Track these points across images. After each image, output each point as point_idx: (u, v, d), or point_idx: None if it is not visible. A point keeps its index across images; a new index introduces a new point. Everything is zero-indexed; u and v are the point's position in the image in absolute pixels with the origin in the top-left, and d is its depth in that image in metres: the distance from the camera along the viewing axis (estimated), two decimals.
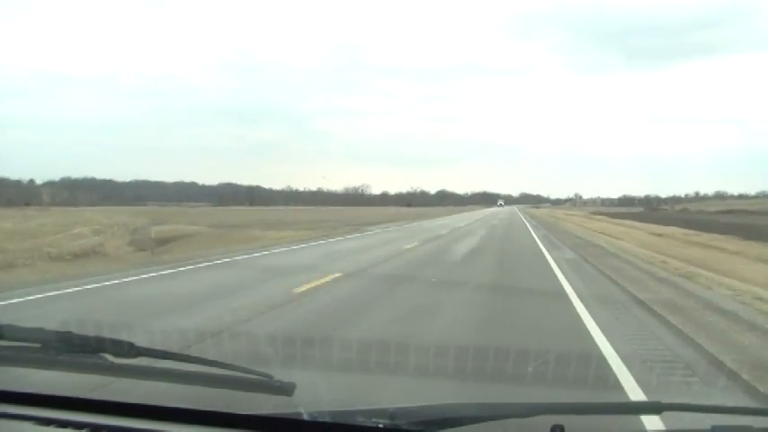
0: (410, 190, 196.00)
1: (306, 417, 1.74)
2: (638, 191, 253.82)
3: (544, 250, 19.21)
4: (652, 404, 1.83)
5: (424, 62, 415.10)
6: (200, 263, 13.98)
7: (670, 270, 13.56)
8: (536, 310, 8.33)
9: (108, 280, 10.66)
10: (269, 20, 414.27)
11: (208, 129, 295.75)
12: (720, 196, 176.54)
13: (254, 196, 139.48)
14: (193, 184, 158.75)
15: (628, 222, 49.20)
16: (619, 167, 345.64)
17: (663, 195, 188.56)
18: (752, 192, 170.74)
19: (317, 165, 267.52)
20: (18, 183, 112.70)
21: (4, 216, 37.57)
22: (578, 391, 3.96)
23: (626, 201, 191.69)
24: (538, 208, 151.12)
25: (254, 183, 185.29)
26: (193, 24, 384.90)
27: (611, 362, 5.22)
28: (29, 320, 2.78)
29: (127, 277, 11.14)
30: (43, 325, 2.00)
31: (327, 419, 1.74)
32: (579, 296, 9.33)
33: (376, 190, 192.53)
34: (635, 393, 4.31)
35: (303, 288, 9.50)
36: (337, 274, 11.30)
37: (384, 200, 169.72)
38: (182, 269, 12.73)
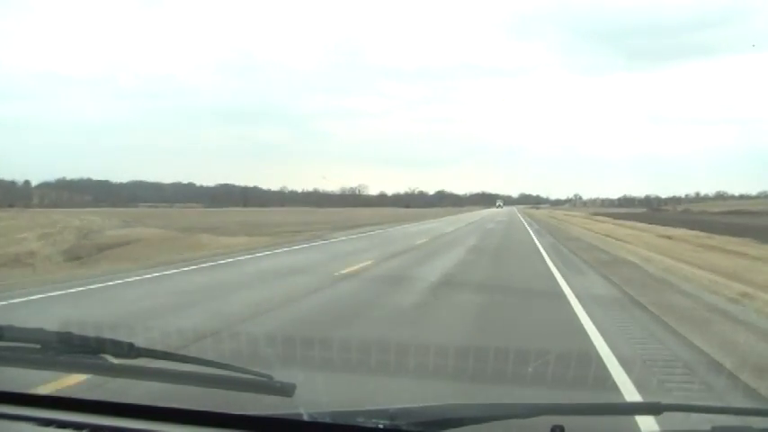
0: (408, 190, 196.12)
1: (306, 417, 1.74)
2: (638, 191, 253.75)
3: (562, 283, 11.49)
4: (652, 405, 1.83)
5: (423, 62, 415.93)
6: (99, 281, 11.14)
7: (705, 284, 10.90)
8: None
9: None
10: (267, 20, 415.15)
11: (206, 129, 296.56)
12: (721, 197, 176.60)
13: (248, 197, 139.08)
14: (191, 185, 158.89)
15: (631, 224, 47.62)
16: (618, 168, 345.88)
17: (663, 196, 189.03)
18: (753, 192, 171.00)
19: (316, 165, 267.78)
20: (12, 184, 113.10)
21: None
22: (578, 392, 3.96)
23: (626, 201, 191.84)
24: (537, 208, 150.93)
25: (252, 184, 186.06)
26: (192, 25, 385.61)
27: None
28: None
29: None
30: None
31: (328, 420, 1.74)
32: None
33: (374, 191, 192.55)
34: None
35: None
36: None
37: (382, 201, 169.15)
38: (71, 290, 10.01)
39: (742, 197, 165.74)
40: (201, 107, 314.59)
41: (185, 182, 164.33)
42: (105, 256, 20.22)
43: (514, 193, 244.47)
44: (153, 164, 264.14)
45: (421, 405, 1.76)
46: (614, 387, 4.58)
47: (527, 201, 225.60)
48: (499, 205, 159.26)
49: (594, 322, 7.33)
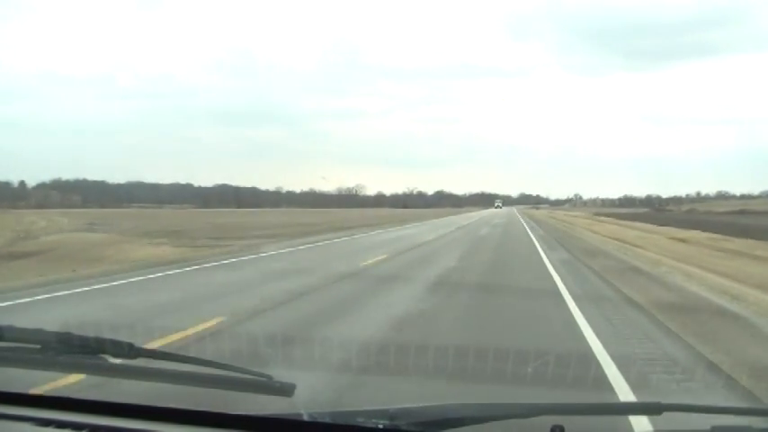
0: (407, 191, 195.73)
1: (306, 417, 1.75)
2: (639, 191, 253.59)
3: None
4: (652, 405, 1.83)
5: (422, 62, 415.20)
6: None
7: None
8: None
9: None
10: (266, 20, 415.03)
11: (205, 130, 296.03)
12: (722, 196, 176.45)
13: (242, 198, 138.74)
14: (189, 186, 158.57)
15: (638, 225, 45.17)
16: (618, 168, 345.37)
17: (664, 196, 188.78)
18: (755, 192, 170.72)
19: (315, 165, 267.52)
20: (7, 184, 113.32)
21: None
22: (578, 392, 3.96)
23: (627, 201, 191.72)
24: (537, 209, 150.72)
25: (250, 184, 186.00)
26: (191, 24, 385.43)
27: None
28: None
29: None
30: None
31: (327, 420, 1.74)
32: None
33: (373, 191, 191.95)
34: None
35: None
36: None
37: (379, 201, 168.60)
38: None
39: (743, 197, 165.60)
40: (200, 107, 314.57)
41: (183, 182, 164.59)
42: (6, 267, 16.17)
43: (514, 194, 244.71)
44: (152, 164, 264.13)
45: (421, 405, 1.76)
46: (614, 387, 4.58)
47: (527, 201, 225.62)
48: (498, 206, 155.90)
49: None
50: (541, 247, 21.65)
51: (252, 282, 11.70)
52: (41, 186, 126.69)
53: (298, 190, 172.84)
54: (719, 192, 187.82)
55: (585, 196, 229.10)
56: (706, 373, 5.45)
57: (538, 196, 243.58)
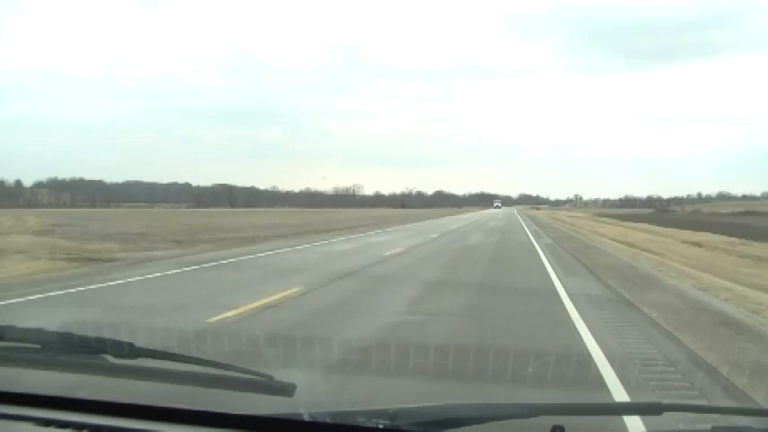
0: (405, 191, 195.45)
1: (306, 417, 1.75)
2: (639, 192, 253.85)
3: None
4: (652, 405, 1.83)
5: (422, 62, 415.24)
6: None
7: None
8: None
9: None
10: (265, 19, 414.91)
11: (204, 129, 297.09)
12: (724, 197, 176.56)
13: (235, 197, 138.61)
14: (187, 185, 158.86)
15: (643, 227, 43.22)
16: (619, 168, 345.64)
17: (665, 196, 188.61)
18: (757, 192, 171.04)
19: (314, 165, 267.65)
20: (2, 183, 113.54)
21: None
22: (578, 392, 3.96)
23: (628, 202, 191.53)
24: (538, 209, 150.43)
25: (249, 184, 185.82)
26: (189, 24, 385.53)
27: None
28: None
29: None
30: None
31: (328, 420, 1.74)
32: None
33: (372, 191, 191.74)
34: None
35: None
36: None
37: (377, 201, 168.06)
38: None
39: (745, 197, 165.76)
40: (199, 107, 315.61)
41: (181, 182, 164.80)
42: None
43: (514, 194, 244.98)
44: (152, 164, 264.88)
45: (421, 405, 1.76)
46: (614, 387, 4.58)
47: (527, 201, 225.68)
48: (497, 206, 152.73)
49: None
50: (551, 265, 15.37)
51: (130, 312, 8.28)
52: (38, 186, 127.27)
53: (297, 189, 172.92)
54: (720, 192, 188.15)
55: (586, 197, 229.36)
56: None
57: (538, 197, 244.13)
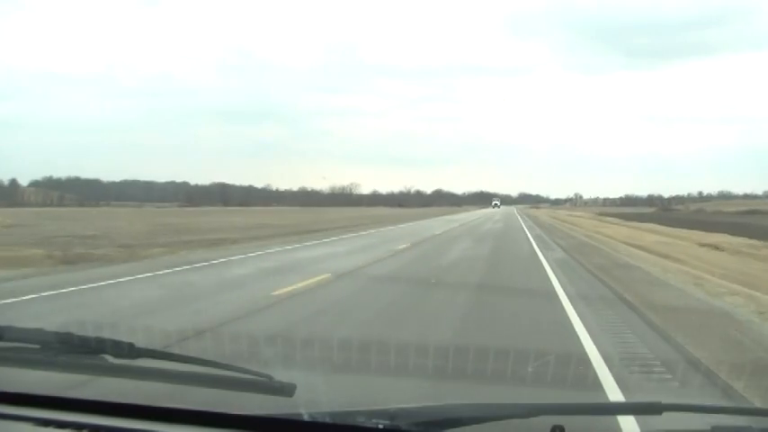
0: (404, 189, 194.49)
1: (306, 417, 1.75)
2: (640, 190, 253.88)
3: None
4: (652, 404, 1.83)
5: (422, 61, 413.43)
6: None
7: None
8: None
9: None
10: (264, 18, 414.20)
11: (203, 128, 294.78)
12: (725, 196, 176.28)
13: (229, 196, 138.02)
14: (185, 184, 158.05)
15: (650, 227, 41.01)
16: (619, 167, 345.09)
17: (665, 195, 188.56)
18: (758, 191, 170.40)
19: (314, 164, 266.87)
20: None
21: None
22: (578, 392, 3.96)
23: (628, 201, 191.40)
24: (537, 208, 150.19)
25: (247, 182, 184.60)
26: (189, 23, 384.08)
27: None
28: None
29: None
30: None
31: (328, 420, 1.74)
32: None
33: (369, 189, 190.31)
34: None
35: None
36: None
37: (374, 199, 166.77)
38: None
39: (746, 196, 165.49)
40: (199, 106, 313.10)
41: (179, 181, 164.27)
42: None
43: (514, 193, 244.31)
44: (150, 163, 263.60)
45: (421, 405, 1.77)
46: (613, 387, 4.58)
47: (526, 200, 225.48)
48: (495, 205, 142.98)
49: None
50: (581, 309, 8.39)
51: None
52: (34, 185, 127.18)
53: (295, 188, 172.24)
54: (721, 191, 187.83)
55: (586, 196, 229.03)
56: None
57: (538, 195, 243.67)
